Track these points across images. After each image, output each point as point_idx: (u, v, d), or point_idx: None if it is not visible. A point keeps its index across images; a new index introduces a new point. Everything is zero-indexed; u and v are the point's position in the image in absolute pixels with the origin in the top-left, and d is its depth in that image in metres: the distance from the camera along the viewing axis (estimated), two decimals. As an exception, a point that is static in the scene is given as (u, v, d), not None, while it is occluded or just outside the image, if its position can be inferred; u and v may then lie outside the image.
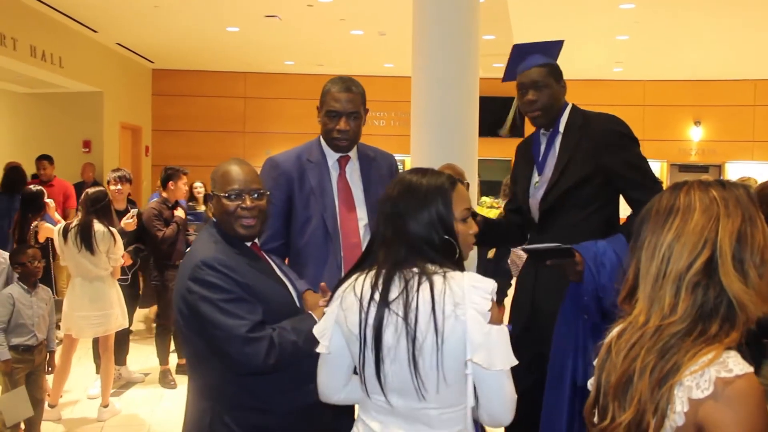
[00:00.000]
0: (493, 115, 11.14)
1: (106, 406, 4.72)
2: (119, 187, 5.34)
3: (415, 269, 1.62)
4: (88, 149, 9.37)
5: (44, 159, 7.25)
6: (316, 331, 1.77)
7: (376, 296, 1.62)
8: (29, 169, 7.88)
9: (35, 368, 4.09)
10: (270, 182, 2.65)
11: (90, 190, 4.91)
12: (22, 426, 4.11)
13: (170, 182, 5.57)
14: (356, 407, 1.87)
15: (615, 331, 1.39)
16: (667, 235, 1.32)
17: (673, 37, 8.66)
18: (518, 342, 2.05)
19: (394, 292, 1.61)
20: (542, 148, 2.71)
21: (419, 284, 1.59)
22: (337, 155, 2.73)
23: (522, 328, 2.68)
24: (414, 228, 1.66)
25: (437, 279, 1.59)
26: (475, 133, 4.99)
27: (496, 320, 1.61)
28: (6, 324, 3.93)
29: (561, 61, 2.74)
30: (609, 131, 2.63)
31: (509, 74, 2.78)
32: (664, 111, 11.55)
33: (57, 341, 4.48)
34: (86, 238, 4.63)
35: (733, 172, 11.65)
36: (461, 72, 4.80)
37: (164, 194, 5.64)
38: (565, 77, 2.73)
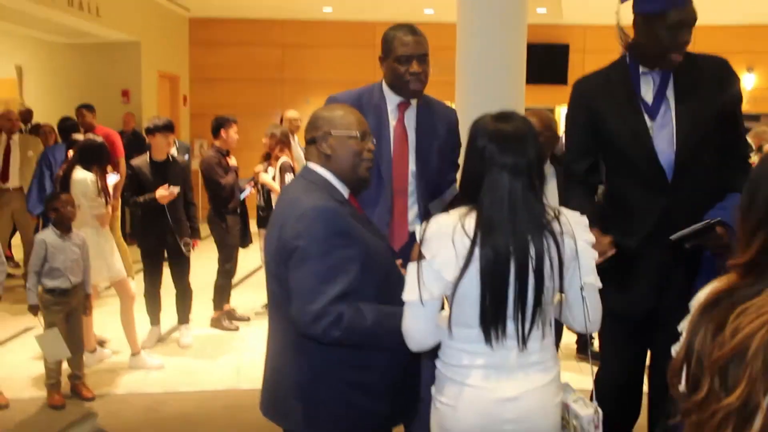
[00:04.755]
0: (537, 63, 10.84)
1: (135, 354, 4.78)
2: (168, 138, 5.18)
3: (540, 223, 1.78)
4: (126, 99, 9.44)
5: (83, 108, 7.19)
6: (412, 279, 1.80)
7: (506, 250, 1.74)
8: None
9: (72, 310, 4.19)
10: None
11: (81, 140, 4.97)
12: (65, 365, 4.23)
13: (222, 130, 5.57)
14: None
15: (707, 291, 1.28)
16: None
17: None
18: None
19: (526, 247, 1.75)
20: (652, 89, 2.43)
21: (545, 236, 1.77)
22: (398, 100, 2.76)
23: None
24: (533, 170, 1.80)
25: (554, 225, 1.80)
26: (522, 81, 4.87)
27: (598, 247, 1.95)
28: (40, 268, 4.02)
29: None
30: (720, 65, 2.45)
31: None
32: (714, 57, 11.07)
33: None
34: (65, 186, 4.64)
35: (786, 121, 11.20)
36: (508, 18, 4.65)
37: (217, 143, 5.62)
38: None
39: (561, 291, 1.84)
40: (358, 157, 2.09)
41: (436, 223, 1.81)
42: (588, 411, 1.85)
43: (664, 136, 2.38)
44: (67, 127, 6.58)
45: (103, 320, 5.37)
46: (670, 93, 2.41)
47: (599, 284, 1.88)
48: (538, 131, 3.19)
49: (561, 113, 10.66)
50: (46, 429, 3.90)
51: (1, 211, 6.86)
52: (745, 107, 10.25)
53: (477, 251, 1.74)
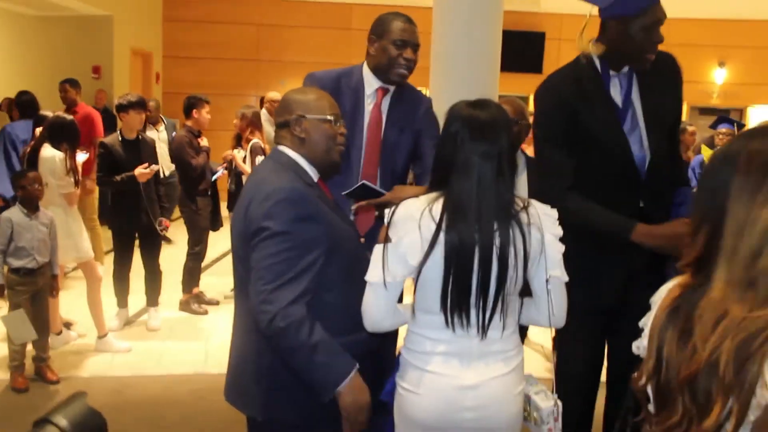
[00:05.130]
0: (512, 50, 10.85)
1: (102, 337, 4.73)
2: (142, 114, 5.12)
3: (507, 212, 1.79)
4: (98, 75, 9.26)
5: (66, 82, 6.90)
6: (376, 261, 1.82)
7: (470, 236, 1.75)
8: (41, 96, 7.82)
9: (38, 291, 4.14)
10: None
11: (51, 116, 4.86)
12: (30, 347, 4.18)
13: (194, 110, 5.50)
14: None
15: (667, 291, 1.26)
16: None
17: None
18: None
19: (490, 235, 1.76)
20: (620, 91, 2.42)
21: (511, 225, 1.78)
22: (377, 85, 2.76)
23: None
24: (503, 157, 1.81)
25: (522, 215, 1.80)
26: (497, 69, 4.87)
27: None
28: (5, 247, 3.95)
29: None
30: (673, 61, 2.49)
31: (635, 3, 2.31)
32: (686, 51, 11.12)
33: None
34: (32, 164, 4.57)
35: (756, 116, 11.36)
36: (484, 4, 4.64)
37: (188, 123, 5.55)
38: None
39: (524, 281, 1.85)
40: (332, 141, 2.09)
41: (404, 207, 1.83)
42: (548, 403, 1.90)
43: (635, 139, 2.40)
44: (24, 101, 6.28)
45: (70, 302, 5.29)
46: (635, 95, 2.43)
47: (565, 278, 1.90)
48: (511, 120, 3.23)
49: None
50: (7, 412, 3.85)
51: None
52: (716, 101, 10.38)
53: (442, 236, 1.76)
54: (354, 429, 1.93)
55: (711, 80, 11.68)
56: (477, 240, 1.75)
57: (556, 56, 10.72)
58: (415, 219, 1.78)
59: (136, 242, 5.21)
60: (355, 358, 1.97)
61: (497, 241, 1.76)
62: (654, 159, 2.39)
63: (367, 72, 2.78)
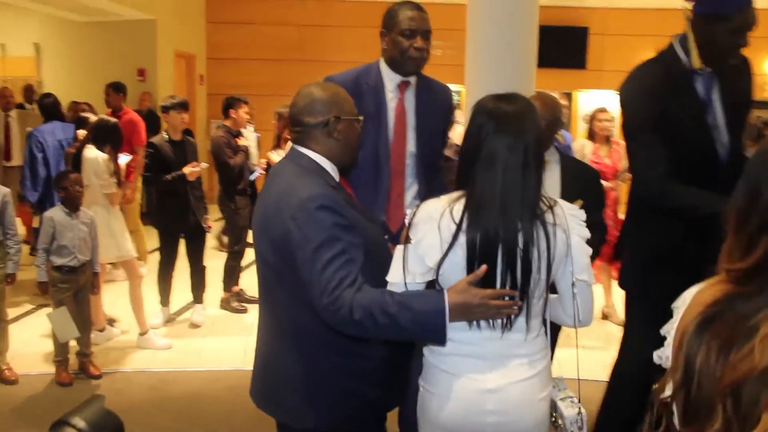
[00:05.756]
0: (555, 46, 10.71)
1: (143, 334, 4.82)
2: (183, 116, 5.16)
3: (532, 208, 1.73)
4: (143, 78, 9.45)
5: (109, 86, 6.92)
6: (397, 261, 1.79)
7: (494, 233, 1.70)
8: (89, 99, 7.98)
9: (80, 288, 4.23)
10: None
11: (95, 120, 4.97)
12: (74, 342, 4.29)
13: (231, 110, 5.57)
14: None
15: (696, 300, 1.17)
16: None
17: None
18: None
19: (515, 231, 1.71)
20: (703, 88, 2.44)
21: (535, 223, 1.72)
22: (398, 80, 2.72)
23: None
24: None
25: (547, 215, 1.75)
26: (533, 64, 4.79)
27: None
28: (48, 245, 4.05)
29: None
30: (745, 59, 2.46)
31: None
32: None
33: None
34: (76, 165, 4.67)
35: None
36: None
37: (227, 123, 5.61)
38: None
39: (548, 284, 1.80)
40: (359, 139, 2.10)
41: (425, 207, 1.81)
42: (572, 411, 1.84)
43: (716, 136, 2.41)
44: (47, 104, 6.25)
45: (114, 299, 5.42)
46: (715, 93, 2.42)
47: (593, 281, 1.85)
48: (540, 115, 3.15)
49: (579, 98, 10.53)
50: (52, 405, 3.96)
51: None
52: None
53: (462, 236, 1.72)
54: (492, 314, 1.75)
55: (765, 72, 11.31)
56: (501, 236, 1.70)
57: (600, 52, 10.52)
58: (435, 219, 1.75)
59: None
60: (382, 357, 1.97)
61: (521, 239, 1.71)
62: (732, 156, 2.40)
63: (384, 67, 2.74)
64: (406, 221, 1.82)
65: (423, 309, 1.72)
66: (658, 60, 2.51)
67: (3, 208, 4.13)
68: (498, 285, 1.72)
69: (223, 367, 4.50)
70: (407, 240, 1.79)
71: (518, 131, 1.74)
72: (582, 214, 1.84)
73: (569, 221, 1.79)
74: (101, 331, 4.84)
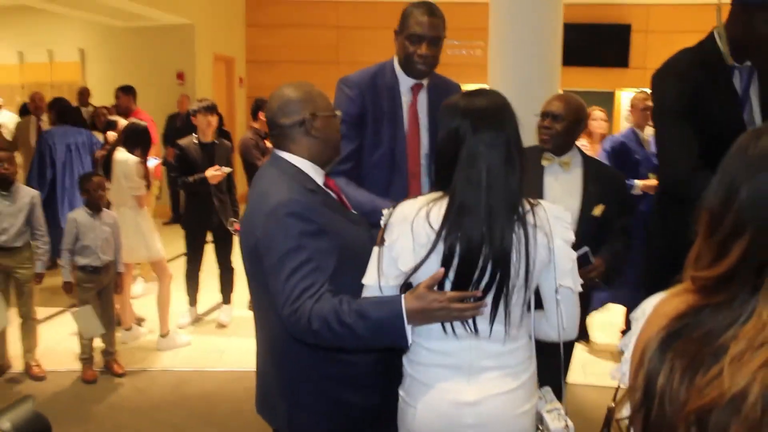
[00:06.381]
0: (597, 44, 10.51)
1: (164, 335, 4.89)
2: (209, 118, 5.17)
3: (514, 208, 1.66)
4: (181, 81, 9.62)
5: (118, 89, 6.99)
6: (372, 263, 1.76)
7: (478, 233, 1.64)
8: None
9: (104, 288, 4.33)
10: (344, 102, 2.60)
11: (126, 123, 5.06)
12: (99, 341, 4.39)
13: (260, 112, 5.60)
14: None
15: (651, 310, 1.09)
16: None
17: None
18: None
19: (499, 231, 1.64)
20: (740, 83, 2.37)
21: (515, 223, 1.65)
22: (411, 82, 2.69)
23: None
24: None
25: (528, 216, 1.67)
26: (557, 63, 4.71)
27: None
28: (72, 246, 4.16)
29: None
30: None
31: None
32: None
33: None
34: (106, 167, 4.77)
35: None
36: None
37: (256, 125, 5.62)
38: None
39: (528, 290, 1.72)
40: (339, 135, 2.08)
41: (401, 208, 1.75)
42: (558, 425, 1.76)
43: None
44: (58, 107, 6.27)
45: (142, 299, 5.53)
46: (753, 89, 2.34)
47: (578, 288, 1.76)
48: (563, 116, 3.05)
49: (622, 97, 10.30)
50: (75, 401, 4.05)
51: None
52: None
53: (440, 242, 1.65)
54: (454, 316, 1.68)
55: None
56: (486, 238, 1.63)
57: (643, 49, 10.28)
58: (409, 221, 1.69)
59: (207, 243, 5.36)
60: (369, 363, 1.94)
61: (500, 240, 1.64)
62: None
63: (398, 68, 2.71)
64: (382, 222, 1.77)
65: (379, 316, 1.67)
66: (695, 49, 2.42)
67: (32, 209, 4.26)
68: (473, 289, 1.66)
69: (244, 368, 4.53)
70: (381, 242, 1.74)
71: (497, 125, 1.67)
72: (567, 217, 1.75)
73: (552, 223, 1.71)
74: (128, 330, 4.94)
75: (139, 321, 5.19)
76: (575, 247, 2.97)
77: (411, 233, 1.69)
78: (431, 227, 1.67)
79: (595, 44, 10.62)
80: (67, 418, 3.87)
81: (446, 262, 1.65)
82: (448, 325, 1.70)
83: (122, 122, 5.56)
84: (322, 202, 1.92)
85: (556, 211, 1.75)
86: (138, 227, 4.79)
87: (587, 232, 2.85)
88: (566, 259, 1.74)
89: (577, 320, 1.82)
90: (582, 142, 5.52)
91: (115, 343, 4.49)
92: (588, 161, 3.09)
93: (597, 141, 5.39)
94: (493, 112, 1.70)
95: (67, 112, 6.22)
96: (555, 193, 2.93)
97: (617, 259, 2.89)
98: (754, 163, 0.99)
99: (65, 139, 5.85)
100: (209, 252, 5.38)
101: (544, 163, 2.96)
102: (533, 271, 1.68)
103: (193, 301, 5.44)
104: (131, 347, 4.85)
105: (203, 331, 5.25)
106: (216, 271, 5.40)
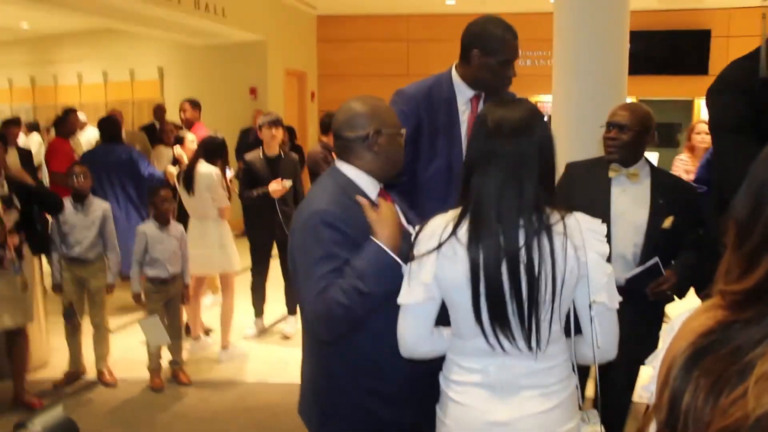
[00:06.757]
0: (675, 51, 10.18)
1: (225, 348, 4.95)
2: (273, 131, 5.23)
3: (534, 217, 1.60)
4: (254, 96, 9.85)
5: (186, 101, 6.91)
6: (405, 280, 1.73)
7: (500, 246, 1.60)
8: (208, 117, 8.34)
9: (171, 299, 4.44)
10: (400, 115, 2.59)
11: (205, 137, 5.15)
12: (165, 351, 4.50)
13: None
14: None
15: (687, 326, 1.01)
16: None
17: None
18: None
19: (516, 240, 1.60)
20: None
21: (540, 233, 1.59)
22: (471, 93, 2.67)
23: None
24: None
25: (557, 226, 1.61)
26: (624, 72, 4.58)
27: None
28: (141, 258, 4.28)
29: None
30: None
31: None
32: None
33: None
34: (188, 180, 4.82)
35: None
36: (608, 5, 4.39)
37: (324, 139, 5.64)
38: None
39: (557, 303, 1.63)
40: (402, 154, 2.07)
41: (431, 223, 1.72)
42: None
43: None
44: (103, 127, 6.25)
45: (212, 310, 5.65)
46: None
47: (614, 305, 1.67)
48: (629, 126, 2.94)
49: (702, 106, 9.92)
50: (143, 409, 4.17)
51: None
52: None
53: (461, 251, 1.62)
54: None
55: None
56: (503, 245, 1.58)
57: (725, 56, 9.86)
58: (437, 235, 1.67)
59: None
60: (403, 378, 1.93)
61: (523, 250, 1.58)
62: None
63: (458, 81, 2.66)
64: (412, 238, 1.75)
65: (367, 262, 1.79)
66: (748, 57, 2.30)
67: (104, 222, 4.42)
68: (508, 303, 1.60)
69: (306, 380, 4.57)
70: (411, 257, 1.71)
71: (515, 135, 1.62)
72: (602, 229, 1.66)
73: (585, 235, 1.62)
74: (196, 340, 5.05)
75: (207, 331, 5.30)
76: (645, 258, 2.88)
77: (437, 247, 1.66)
78: (458, 240, 1.63)
79: (674, 51, 10.30)
80: (135, 424, 3.99)
81: (473, 272, 1.61)
82: (482, 340, 1.65)
83: (189, 137, 5.68)
84: (359, 219, 1.92)
85: (591, 224, 1.67)
86: (222, 239, 4.89)
87: (657, 245, 2.80)
88: (601, 273, 1.65)
89: (615, 339, 1.72)
90: (682, 157, 5.30)
91: (182, 353, 4.59)
92: (656, 172, 2.99)
93: (700, 156, 4.97)
94: (513, 122, 1.65)
95: (108, 131, 6.22)
96: (623, 205, 2.85)
97: (690, 271, 2.80)
98: None
99: (106, 157, 5.91)
100: (275, 264, 5.46)
101: (611, 174, 2.88)
102: (563, 283, 1.60)
103: (259, 313, 5.52)
104: (198, 357, 4.96)
105: (268, 343, 5.31)
106: (281, 282, 5.46)
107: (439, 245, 1.65)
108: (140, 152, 6.42)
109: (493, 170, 1.62)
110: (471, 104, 2.67)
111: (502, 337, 1.63)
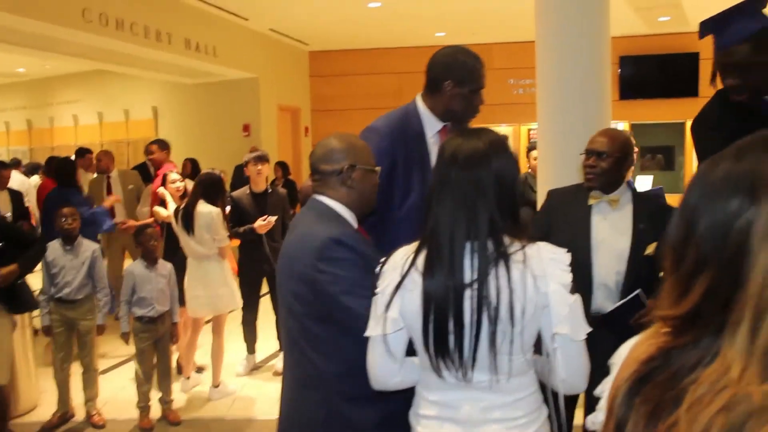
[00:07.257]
0: (664, 75, 10.26)
1: (216, 386, 4.90)
2: (259, 167, 5.22)
3: (490, 245, 1.58)
4: (247, 133, 9.91)
5: (152, 143, 6.77)
6: (371, 313, 1.72)
7: (451, 275, 1.58)
8: (202, 154, 8.39)
9: (160, 337, 4.41)
10: (377, 152, 2.49)
11: (202, 174, 5.13)
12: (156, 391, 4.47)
13: None
14: None
15: (631, 354, 1.01)
16: None
17: None
18: None
19: (469, 270, 1.58)
20: None
21: (497, 262, 1.56)
22: (439, 126, 2.64)
23: None
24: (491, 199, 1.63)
25: (516, 255, 1.58)
26: (607, 97, 4.60)
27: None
28: (129, 297, 4.27)
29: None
30: None
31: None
32: None
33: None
34: (187, 220, 4.73)
35: None
36: (589, 31, 4.43)
37: None
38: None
39: (518, 335, 1.59)
40: (375, 190, 2.12)
41: (395, 255, 1.72)
42: None
43: None
44: (67, 169, 6.21)
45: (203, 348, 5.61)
46: None
47: (578, 337, 1.61)
48: (608, 152, 2.93)
49: (693, 127, 9.96)
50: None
51: (113, 247, 6.95)
52: None
53: (419, 280, 1.61)
54: None
55: None
56: (450, 285, 1.57)
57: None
58: (399, 267, 1.66)
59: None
60: (374, 418, 1.93)
61: (474, 280, 1.56)
62: None
63: (425, 113, 2.61)
64: (376, 270, 1.74)
65: None
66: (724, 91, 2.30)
67: (93, 262, 4.42)
68: (450, 333, 1.58)
69: (298, 415, 4.52)
70: (376, 290, 1.71)
71: (468, 164, 1.62)
72: (566, 259, 1.62)
73: (547, 265, 1.58)
74: (188, 378, 5.01)
75: (200, 369, 5.27)
76: (628, 286, 2.83)
77: (399, 278, 1.65)
78: (416, 270, 1.63)
79: (664, 75, 10.38)
80: (124, 467, 3.94)
81: (426, 303, 1.60)
82: (447, 373, 1.63)
83: (171, 176, 5.54)
84: (363, 241, 1.99)
85: (554, 253, 1.63)
86: (225, 279, 4.83)
87: (639, 272, 2.74)
88: (562, 304, 1.59)
89: (582, 370, 1.65)
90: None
91: (171, 392, 4.56)
92: (638, 198, 2.96)
93: None
94: (471, 150, 1.64)
95: (61, 174, 6.14)
96: (603, 232, 2.82)
97: None
98: (712, 192, 0.91)
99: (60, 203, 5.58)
100: (266, 300, 5.44)
101: (591, 201, 2.86)
102: (523, 314, 1.56)
103: (251, 349, 5.48)
104: (188, 396, 4.91)
105: (259, 379, 5.27)
106: (272, 318, 5.43)
107: (402, 278, 1.64)
108: (82, 196, 6.35)
109: (448, 199, 1.62)
110: (439, 137, 2.63)
111: (445, 369, 1.61)
